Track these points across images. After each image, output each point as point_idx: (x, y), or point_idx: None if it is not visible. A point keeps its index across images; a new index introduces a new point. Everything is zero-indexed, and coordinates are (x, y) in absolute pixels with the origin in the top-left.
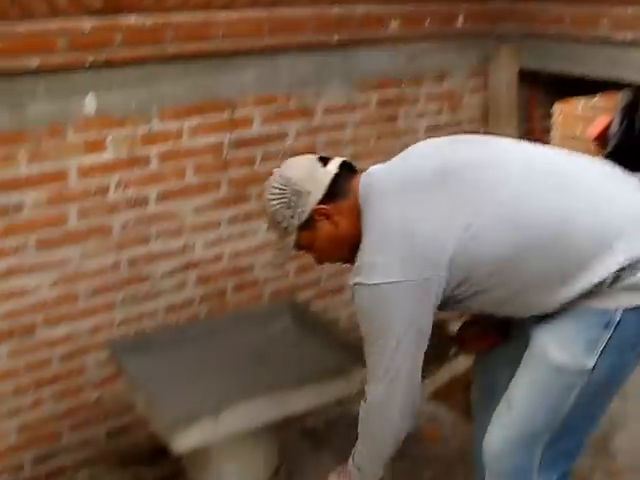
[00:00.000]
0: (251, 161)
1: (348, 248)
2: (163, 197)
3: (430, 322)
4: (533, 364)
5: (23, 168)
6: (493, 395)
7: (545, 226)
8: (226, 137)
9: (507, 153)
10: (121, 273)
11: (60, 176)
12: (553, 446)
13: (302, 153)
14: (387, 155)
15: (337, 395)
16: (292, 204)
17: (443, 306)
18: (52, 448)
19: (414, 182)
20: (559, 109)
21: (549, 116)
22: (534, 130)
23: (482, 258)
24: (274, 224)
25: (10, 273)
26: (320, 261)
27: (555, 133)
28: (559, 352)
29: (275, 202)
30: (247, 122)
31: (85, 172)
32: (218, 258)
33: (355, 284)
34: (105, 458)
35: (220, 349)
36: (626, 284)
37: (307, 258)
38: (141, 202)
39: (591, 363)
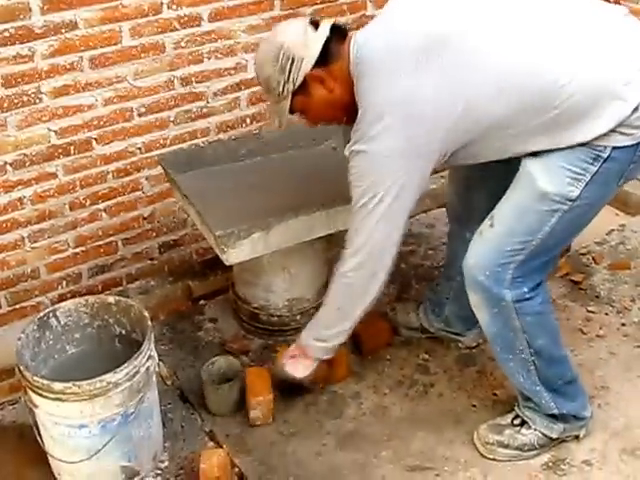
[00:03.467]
0: None
1: (342, 112)
2: (216, 15)
3: (419, 189)
4: (520, 188)
5: None
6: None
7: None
8: None
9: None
10: (174, 91)
11: None
12: (526, 264)
13: None
14: None
15: None
16: (286, 70)
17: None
18: (107, 260)
19: (404, 50)
20: None
21: None
22: None
23: (479, 125)
24: (268, 89)
25: (65, 90)
26: (314, 123)
27: None
28: (546, 180)
29: (269, 68)
30: None
31: None
32: None
33: (352, 151)
34: (157, 271)
35: (272, 165)
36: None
37: None
38: (194, 20)
39: (575, 193)
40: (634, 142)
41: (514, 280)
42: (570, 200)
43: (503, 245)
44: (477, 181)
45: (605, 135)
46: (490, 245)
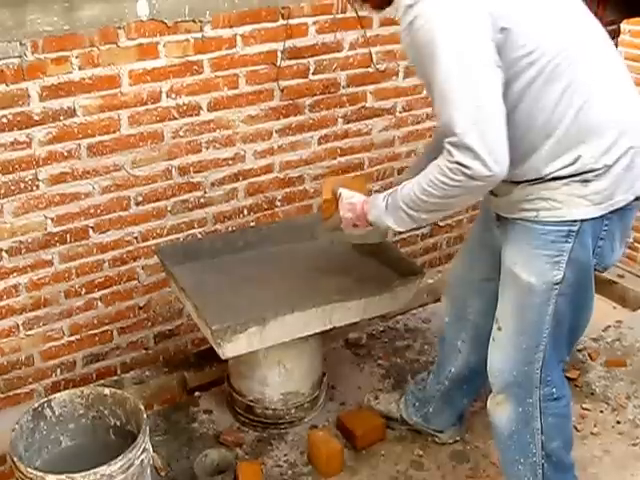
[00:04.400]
0: (304, 71)
1: None
2: (215, 105)
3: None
4: (508, 287)
5: (75, 73)
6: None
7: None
8: (280, 46)
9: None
10: (171, 180)
11: (112, 81)
12: (551, 359)
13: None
14: None
15: (382, 310)
16: None
17: None
18: (102, 349)
19: None
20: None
21: (615, 35)
22: None
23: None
24: None
25: (62, 178)
26: None
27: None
28: (526, 272)
29: None
30: (302, 31)
31: (137, 78)
32: (268, 169)
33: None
34: (152, 361)
35: (269, 258)
36: (589, 191)
37: None
38: (193, 110)
39: (559, 276)
40: (602, 213)
41: (544, 379)
42: (557, 284)
43: (519, 344)
44: (473, 292)
45: (570, 208)
46: (507, 347)
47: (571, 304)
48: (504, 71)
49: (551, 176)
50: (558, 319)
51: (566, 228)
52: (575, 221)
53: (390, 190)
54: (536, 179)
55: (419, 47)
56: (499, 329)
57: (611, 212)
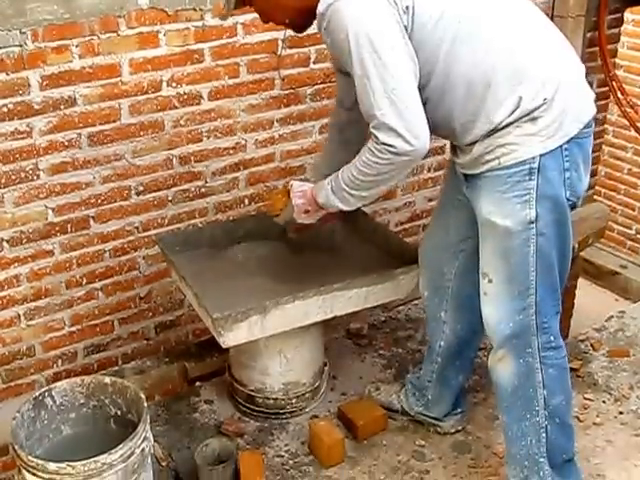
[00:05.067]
0: (305, 60)
1: (294, 12)
2: (215, 94)
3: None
4: (487, 237)
5: (75, 62)
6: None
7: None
8: (281, 34)
9: None
10: (172, 170)
11: (113, 70)
12: (543, 303)
13: None
14: None
15: (385, 298)
16: None
17: None
18: (103, 340)
19: None
20: (629, 18)
21: (618, 23)
22: (601, 36)
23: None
24: None
25: (63, 167)
26: (265, 20)
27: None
28: (501, 217)
29: None
30: None
31: (138, 67)
32: (269, 158)
33: (329, 6)
34: (153, 352)
35: (270, 248)
36: (539, 127)
37: None
38: (193, 99)
39: (532, 214)
40: (556, 145)
41: (541, 325)
42: (531, 222)
43: (511, 291)
44: (450, 256)
45: (526, 147)
46: (501, 297)
47: (554, 245)
48: (425, 43)
49: (502, 124)
50: (544, 261)
51: (527, 167)
52: (534, 158)
53: (333, 174)
54: (490, 131)
55: (337, 45)
56: (489, 282)
57: (567, 142)
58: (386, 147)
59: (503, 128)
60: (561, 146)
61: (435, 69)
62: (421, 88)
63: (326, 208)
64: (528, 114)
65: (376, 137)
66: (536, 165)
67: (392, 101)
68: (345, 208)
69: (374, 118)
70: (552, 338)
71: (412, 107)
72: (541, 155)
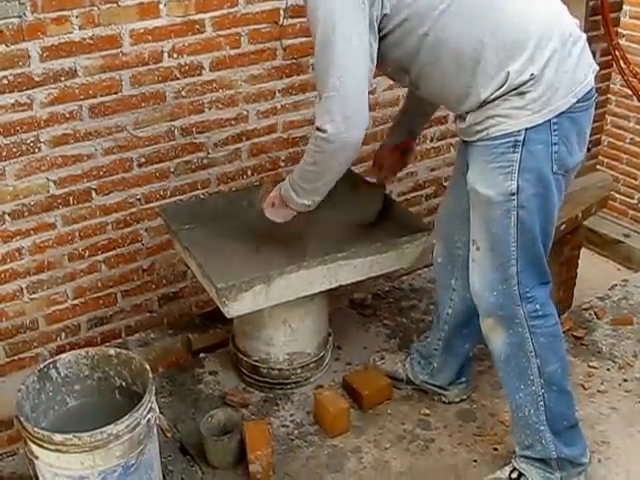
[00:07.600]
0: (307, 30)
1: None
2: (217, 65)
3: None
4: (474, 206)
5: (75, 33)
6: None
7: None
8: (282, 4)
9: None
10: (174, 142)
11: (113, 41)
12: (525, 273)
13: None
14: None
15: (389, 267)
16: None
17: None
18: (106, 312)
19: None
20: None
21: (619, 7)
22: (603, 4)
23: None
24: None
25: (64, 139)
26: None
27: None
28: (484, 187)
29: None
30: None
31: (138, 38)
32: (272, 129)
33: None
34: (156, 324)
35: None
36: (527, 101)
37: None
38: (195, 70)
39: (513, 185)
40: (544, 120)
41: (524, 295)
42: (513, 194)
43: (494, 261)
44: (461, 224)
45: (513, 119)
46: (485, 265)
47: (537, 219)
48: (404, 25)
49: (491, 97)
50: (525, 234)
51: (512, 139)
52: (519, 131)
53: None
54: (481, 103)
55: (310, 23)
56: (477, 249)
57: (557, 117)
58: (319, 133)
59: (492, 101)
60: (549, 120)
61: (424, 41)
62: (415, 54)
63: (288, 203)
64: (515, 88)
65: (315, 122)
66: (521, 138)
67: (337, 87)
68: (301, 201)
69: (319, 99)
70: (538, 307)
71: (358, 97)
72: (527, 129)
